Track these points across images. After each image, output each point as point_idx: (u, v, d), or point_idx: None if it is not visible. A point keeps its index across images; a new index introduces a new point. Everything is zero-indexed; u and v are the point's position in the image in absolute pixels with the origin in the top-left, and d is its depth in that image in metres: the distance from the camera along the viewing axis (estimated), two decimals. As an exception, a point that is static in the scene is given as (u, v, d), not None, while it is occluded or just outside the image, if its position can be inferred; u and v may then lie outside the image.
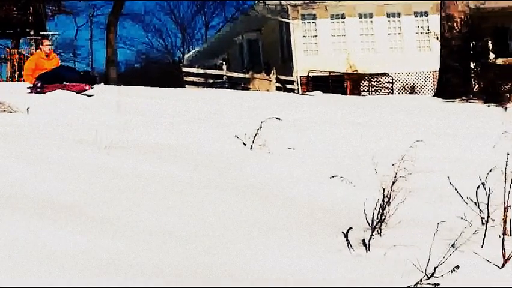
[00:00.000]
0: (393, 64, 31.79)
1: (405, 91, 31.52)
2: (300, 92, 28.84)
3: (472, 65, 22.52)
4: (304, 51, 31.80)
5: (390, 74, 31.66)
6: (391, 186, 3.42)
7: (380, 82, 31.75)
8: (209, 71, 31.53)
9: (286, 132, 8.36)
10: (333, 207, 4.13)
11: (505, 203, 3.44)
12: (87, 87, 13.96)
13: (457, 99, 20.77)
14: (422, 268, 3.05)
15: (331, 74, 30.72)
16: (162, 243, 3.05)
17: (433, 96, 23.55)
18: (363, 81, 31.61)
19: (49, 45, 15.53)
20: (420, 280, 2.94)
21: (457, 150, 6.72)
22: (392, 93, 30.50)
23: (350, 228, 3.31)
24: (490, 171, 3.57)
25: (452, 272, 3.02)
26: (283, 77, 29.66)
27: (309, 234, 3.52)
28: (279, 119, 7.50)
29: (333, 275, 3.01)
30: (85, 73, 15.21)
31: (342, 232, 3.30)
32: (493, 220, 3.55)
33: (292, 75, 30.85)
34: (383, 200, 3.54)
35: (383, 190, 3.52)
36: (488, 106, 19.58)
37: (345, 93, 29.26)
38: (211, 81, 29.98)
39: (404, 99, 21.16)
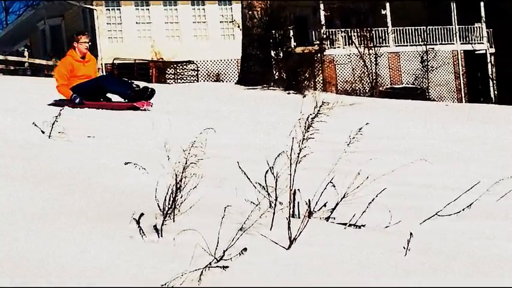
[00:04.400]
0: (198, 52, 32.13)
1: (210, 79, 31.95)
2: (105, 80, 28.51)
3: (273, 53, 23.20)
4: (109, 39, 31.49)
5: (195, 62, 31.95)
6: (182, 172, 3.48)
7: (185, 70, 31.99)
8: (10, 58, 30.50)
9: (86, 120, 8.28)
10: (128, 194, 4.15)
11: (290, 186, 3.58)
12: (144, 106, 10.48)
13: (259, 87, 21.30)
14: (212, 252, 3.13)
15: (136, 61, 30.61)
16: None
17: (236, 83, 24.03)
18: (168, 69, 31.73)
19: (87, 42, 11.19)
20: (210, 263, 3.01)
21: (251, 136, 6.91)
22: (198, 81, 30.83)
23: (142, 214, 3.34)
24: (278, 156, 3.70)
25: (240, 254, 3.11)
26: (87, 64, 29.18)
27: (102, 222, 3.52)
28: (79, 106, 7.40)
29: (124, 262, 3.03)
30: (144, 88, 10.94)
31: (134, 219, 3.33)
32: (281, 203, 3.69)
33: (96, 63, 30.50)
34: (176, 186, 3.59)
35: (175, 176, 3.58)
36: (288, 93, 20.22)
37: (150, 81, 29.26)
38: (12, 68, 29.03)
39: (208, 87, 21.44)
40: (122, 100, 10.96)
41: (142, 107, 10.50)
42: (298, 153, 3.46)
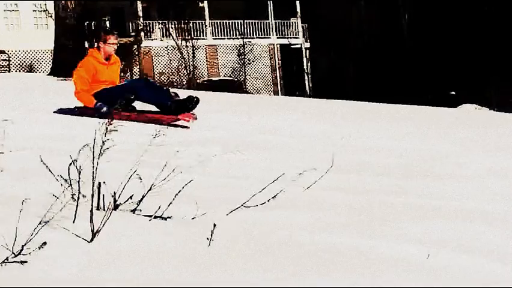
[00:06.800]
0: (10, 41, 31.12)
1: (24, 69, 31.05)
2: None
3: (87, 44, 22.96)
4: None
5: (6, 52, 30.94)
6: (-21, 166, 3.37)
7: (-5, 59, 30.96)
8: None
9: None
10: None
11: (93, 178, 3.55)
12: (190, 120, 9.01)
13: (72, 78, 20.97)
14: (10, 246, 3.05)
15: None
16: None
17: (48, 75, 23.56)
18: (-23, 58, 30.58)
19: (116, 43, 9.71)
20: (7, 258, 2.93)
21: (57, 128, 6.78)
22: (9, 71, 29.90)
23: None
24: (82, 148, 3.65)
25: (40, 248, 3.05)
26: None
27: None
28: None
29: None
30: (188, 99, 9.31)
31: None
32: (84, 196, 3.65)
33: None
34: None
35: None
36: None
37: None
38: None
39: (19, 78, 20.87)
40: (156, 110, 9.44)
41: (187, 121, 9.03)
42: (101, 146, 3.42)
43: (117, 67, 9.87)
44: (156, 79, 34.40)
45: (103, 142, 3.47)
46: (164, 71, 35.52)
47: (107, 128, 3.40)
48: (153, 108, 9.59)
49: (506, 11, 46.49)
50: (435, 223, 4.39)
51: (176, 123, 9.06)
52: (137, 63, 31.45)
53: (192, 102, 9.28)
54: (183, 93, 10.10)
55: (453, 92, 45.00)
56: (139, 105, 9.65)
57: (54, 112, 9.71)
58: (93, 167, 3.47)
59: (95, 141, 3.43)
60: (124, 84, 9.70)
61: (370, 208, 4.87)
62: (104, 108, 9.08)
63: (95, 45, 9.80)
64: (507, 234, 4.21)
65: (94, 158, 3.45)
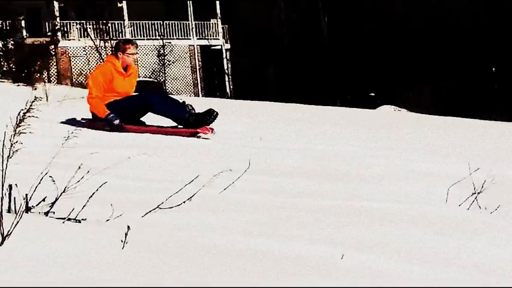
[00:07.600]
0: None
1: None
2: None
3: (0, 44, 22.62)
4: None
5: None
6: None
7: None
8: None
9: None
10: None
11: (2, 181, 3.49)
12: (208, 133, 8.82)
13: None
14: None
15: None
16: None
17: None
18: None
19: (136, 53, 9.26)
20: None
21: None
22: None
23: None
24: (-9, 150, 3.59)
25: None
26: None
27: None
28: None
29: None
30: (207, 112, 8.99)
31: None
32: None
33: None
34: None
35: None
36: (18, 85, 19.69)
37: None
38: None
39: None
40: (172, 124, 9.14)
41: (205, 134, 8.78)
42: (10, 148, 3.37)
43: (134, 77, 9.46)
44: (75, 80, 34.01)
45: (11, 144, 3.41)
46: (82, 71, 35.12)
47: (15, 130, 3.35)
48: (163, 120, 9.42)
49: (424, 13, 47.47)
50: (351, 224, 4.44)
51: (199, 131, 9.03)
52: (55, 63, 31.04)
53: (211, 116, 8.99)
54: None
55: (372, 94, 45.72)
56: (149, 118, 9.55)
57: (61, 122, 9.38)
58: (2, 170, 3.41)
59: (4, 143, 3.37)
60: (138, 96, 9.38)
61: (285, 210, 4.90)
62: (117, 121, 8.81)
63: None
64: (424, 233, 4.29)
65: (3, 160, 3.39)
